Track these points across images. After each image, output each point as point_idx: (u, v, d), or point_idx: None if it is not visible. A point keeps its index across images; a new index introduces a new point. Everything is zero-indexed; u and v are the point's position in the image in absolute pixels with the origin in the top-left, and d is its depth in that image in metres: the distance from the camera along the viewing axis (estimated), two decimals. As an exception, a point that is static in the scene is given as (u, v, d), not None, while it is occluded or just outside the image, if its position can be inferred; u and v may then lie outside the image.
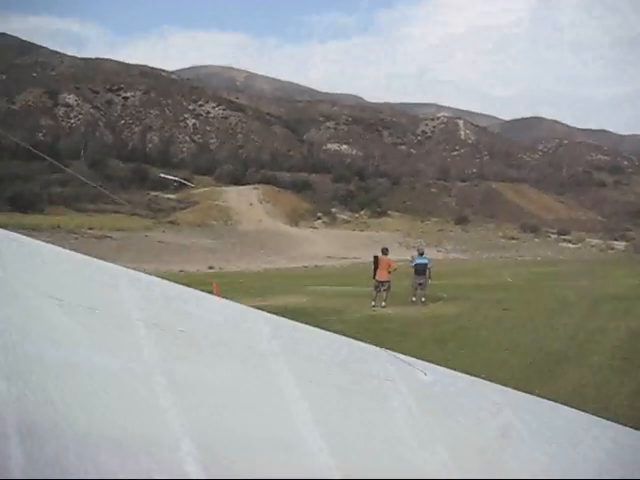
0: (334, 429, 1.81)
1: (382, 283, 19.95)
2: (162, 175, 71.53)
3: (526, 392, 7.87)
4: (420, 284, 20.89)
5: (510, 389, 2.76)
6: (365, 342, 2.53)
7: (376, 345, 2.50)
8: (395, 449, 1.92)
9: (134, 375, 1.58)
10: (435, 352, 11.29)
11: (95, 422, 1.38)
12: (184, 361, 1.74)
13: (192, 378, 1.70)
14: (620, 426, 2.86)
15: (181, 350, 1.77)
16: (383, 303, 19.55)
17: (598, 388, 8.66)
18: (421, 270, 20.92)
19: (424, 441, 1.98)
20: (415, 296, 20.86)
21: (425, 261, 21.36)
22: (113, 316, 1.74)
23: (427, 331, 13.97)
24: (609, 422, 2.86)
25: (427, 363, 2.58)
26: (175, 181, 69.73)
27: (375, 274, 20.24)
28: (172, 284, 2.09)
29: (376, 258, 20.63)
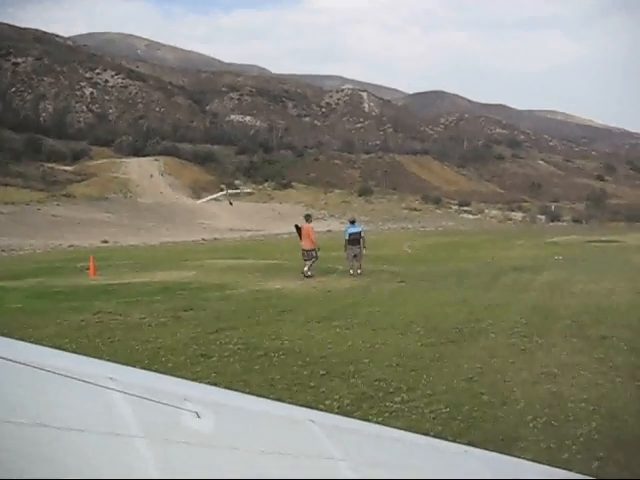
0: None
1: (306, 252, 19.16)
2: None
3: (413, 381, 6.91)
4: (354, 255, 19.88)
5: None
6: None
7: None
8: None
9: None
10: (314, 334, 10.27)
11: None
12: None
13: None
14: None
15: None
16: (306, 269, 18.93)
17: (498, 373, 7.82)
18: (355, 240, 19.89)
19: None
20: (352, 268, 19.82)
21: (359, 229, 20.33)
22: None
23: (313, 308, 12.77)
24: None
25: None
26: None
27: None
28: None
29: (297, 227, 19.94)
